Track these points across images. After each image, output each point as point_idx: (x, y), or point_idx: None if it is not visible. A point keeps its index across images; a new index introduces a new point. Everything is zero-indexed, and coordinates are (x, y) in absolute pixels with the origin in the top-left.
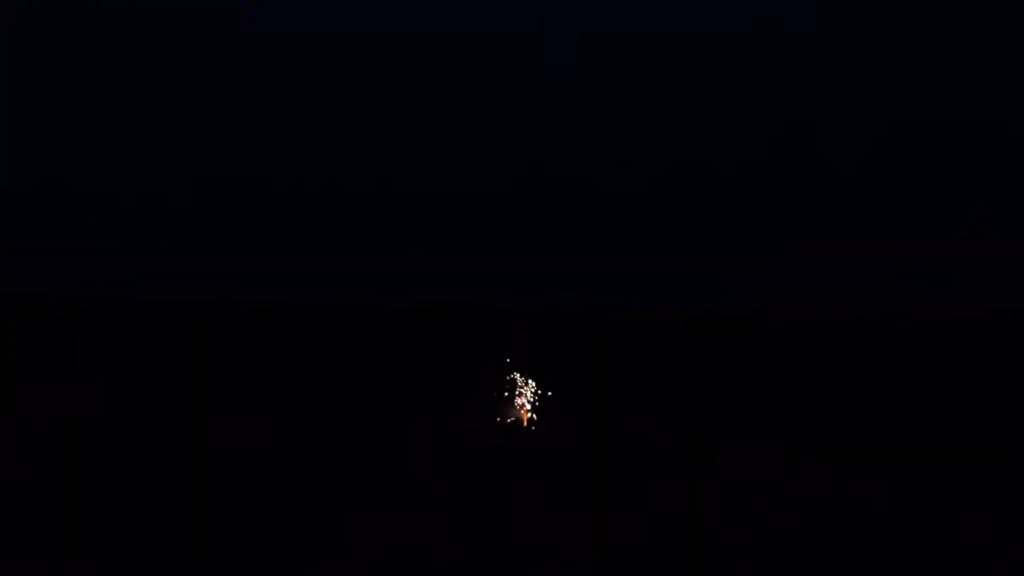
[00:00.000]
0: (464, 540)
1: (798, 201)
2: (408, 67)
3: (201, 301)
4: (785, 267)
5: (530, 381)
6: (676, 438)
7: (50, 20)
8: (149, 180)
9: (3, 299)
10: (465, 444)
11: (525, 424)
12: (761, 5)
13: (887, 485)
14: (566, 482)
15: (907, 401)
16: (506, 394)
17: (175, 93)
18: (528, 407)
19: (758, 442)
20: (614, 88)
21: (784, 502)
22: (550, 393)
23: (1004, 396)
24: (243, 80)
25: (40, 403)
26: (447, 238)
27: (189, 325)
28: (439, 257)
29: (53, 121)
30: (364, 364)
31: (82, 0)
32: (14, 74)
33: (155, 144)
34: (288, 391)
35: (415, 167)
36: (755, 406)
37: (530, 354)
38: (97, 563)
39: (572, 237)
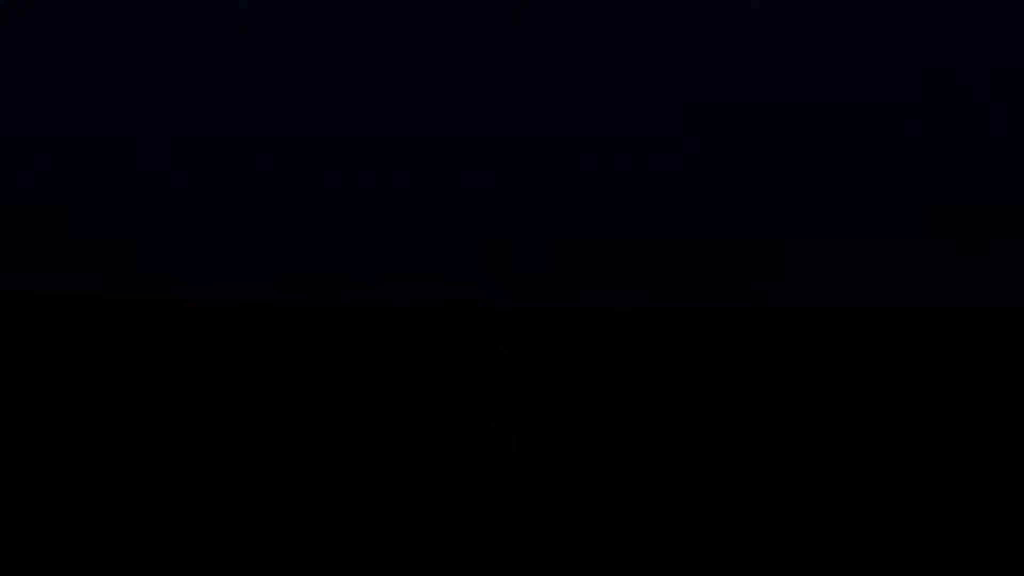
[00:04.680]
0: (465, 541)
1: (799, 199)
2: (408, 67)
3: (198, 299)
4: (785, 264)
5: (530, 381)
6: (675, 438)
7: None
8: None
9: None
10: (465, 444)
11: (528, 424)
12: (760, 4)
13: (888, 485)
14: (567, 482)
15: (911, 402)
16: (506, 394)
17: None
18: (529, 407)
19: (760, 444)
20: (614, 88)
21: (780, 501)
22: (550, 393)
23: (1006, 396)
24: (242, 78)
25: (39, 402)
26: (447, 237)
27: (186, 322)
28: (439, 256)
29: (50, 114)
30: (361, 363)
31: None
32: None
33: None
34: (287, 389)
35: (415, 167)
36: (757, 406)
37: (530, 355)
38: (94, 561)
39: (572, 236)
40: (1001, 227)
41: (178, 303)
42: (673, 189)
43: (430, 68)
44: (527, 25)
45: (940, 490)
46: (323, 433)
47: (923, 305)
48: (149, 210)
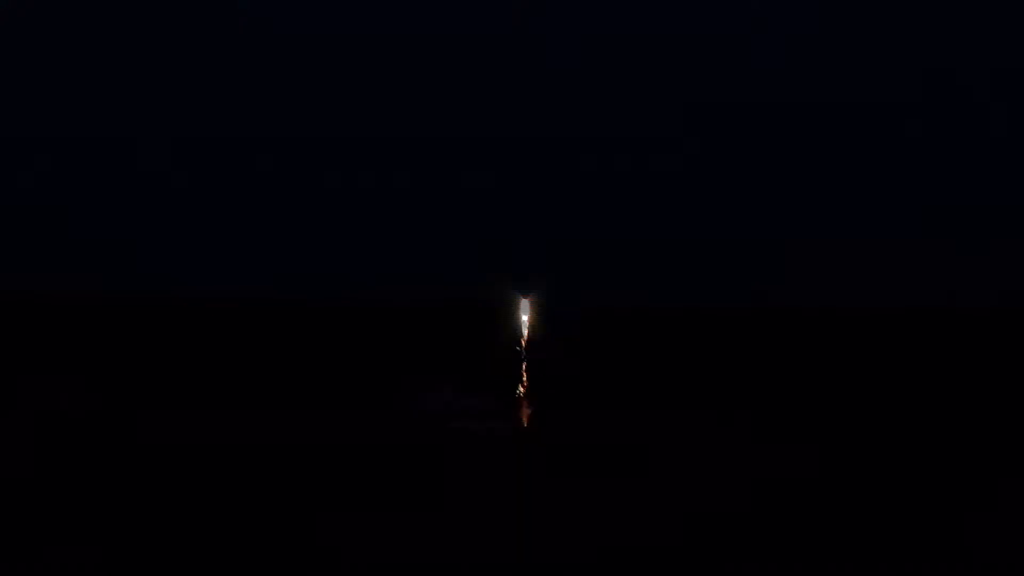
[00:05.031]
0: (463, 539)
1: (798, 199)
2: (408, 67)
3: (197, 297)
4: (784, 264)
5: (530, 381)
6: (673, 433)
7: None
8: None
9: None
10: (465, 444)
11: (525, 423)
12: (760, 4)
13: (888, 484)
14: (566, 482)
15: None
16: (506, 394)
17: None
18: (527, 405)
19: (758, 438)
20: (614, 88)
21: (779, 496)
22: (550, 393)
23: (1005, 395)
24: (242, 78)
25: (40, 400)
26: (447, 237)
27: (186, 322)
28: (439, 256)
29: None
30: (361, 363)
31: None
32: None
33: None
34: (287, 389)
35: (415, 167)
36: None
37: (528, 354)
38: (90, 559)
39: (572, 236)
40: (1001, 227)
41: (178, 303)
42: (673, 189)
43: (430, 68)
44: (527, 25)
45: (940, 489)
46: (323, 433)
47: (923, 305)
48: (149, 210)
